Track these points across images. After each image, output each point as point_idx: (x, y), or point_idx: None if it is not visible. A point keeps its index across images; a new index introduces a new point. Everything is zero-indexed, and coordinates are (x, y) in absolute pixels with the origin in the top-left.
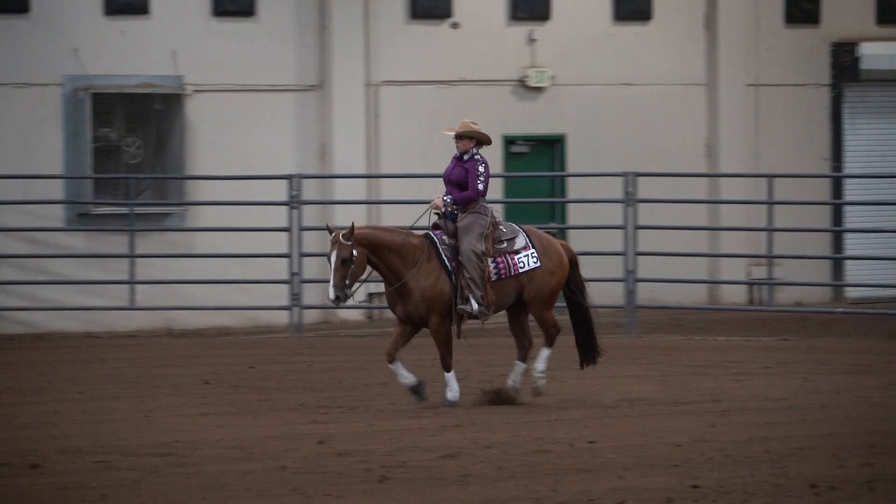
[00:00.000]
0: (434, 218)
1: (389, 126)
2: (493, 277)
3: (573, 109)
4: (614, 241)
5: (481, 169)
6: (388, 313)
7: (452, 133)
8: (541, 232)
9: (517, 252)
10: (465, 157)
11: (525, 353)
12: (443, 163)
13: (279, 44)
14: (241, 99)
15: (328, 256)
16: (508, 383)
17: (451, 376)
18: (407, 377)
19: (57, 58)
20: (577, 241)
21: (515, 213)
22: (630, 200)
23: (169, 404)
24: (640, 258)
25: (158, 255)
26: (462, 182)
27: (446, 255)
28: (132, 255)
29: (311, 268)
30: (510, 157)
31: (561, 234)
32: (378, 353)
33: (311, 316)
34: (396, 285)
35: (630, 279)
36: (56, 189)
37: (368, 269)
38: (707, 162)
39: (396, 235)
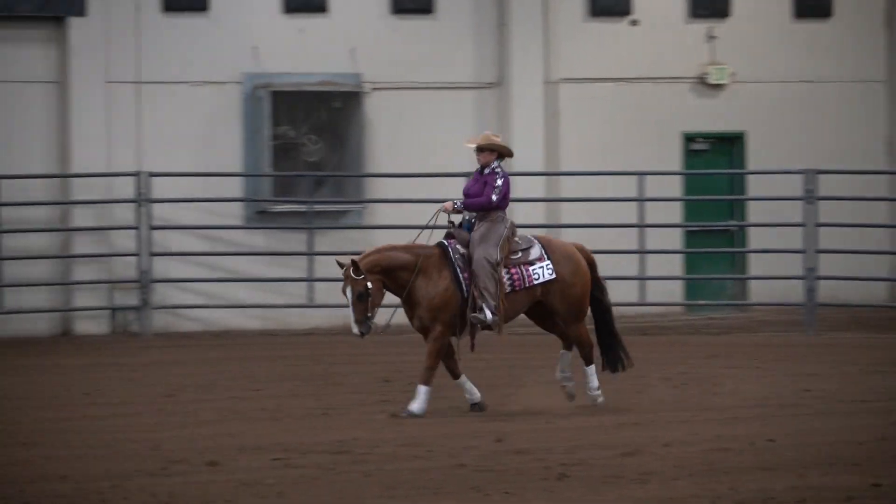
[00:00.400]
0: (444, 220)
1: (568, 124)
2: (507, 289)
3: (753, 107)
4: (794, 239)
5: (499, 182)
6: None
7: (473, 145)
8: (557, 241)
9: (531, 263)
10: (486, 171)
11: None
12: (622, 161)
13: (457, 41)
14: (418, 96)
15: (343, 290)
16: (557, 375)
17: (425, 391)
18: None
19: (236, 56)
20: (756, 238)
21: (695, 210)
22: (810, 198)
23: (347, 402)
24: (820, 256)
25: (336, 252)
26: (480, 196)
27: (458, 265)
28: (310, 253)
29: None
30: (689, 155)
31: (740, 231)
32: (555, 350)
33: None
34: (402, 294)
35: (810, 277)
36: (235, 187)
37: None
38: (888, 159)
39: (407, 254)
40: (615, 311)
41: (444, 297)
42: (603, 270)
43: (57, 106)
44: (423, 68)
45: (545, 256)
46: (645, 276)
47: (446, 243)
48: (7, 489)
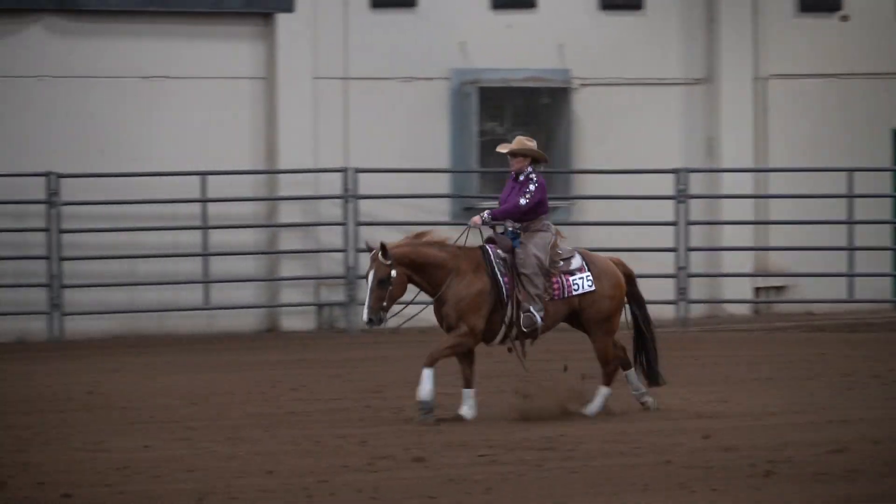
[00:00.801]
0: (476, 233)
1: (777, 120)
2: (547, 297)
3: None
4: None
5: (531, 188)
6: (779, 307)
7: (506, 150)
8: (596, 255)
9: (572, 273)
10: (521, 177)
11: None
12: (832, 157)
13: (665, 37)
14: (626, 93)
15: (366, 276)
16: (634, 393)
17: (429, 374)
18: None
19: (444, 52)
20: None
21: None
22: None
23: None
24: None
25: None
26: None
27: (500, 270)
28: None
29: (697, 262)
30: None
31: None
32: (769, 347)
33: (697, 310)
34: (436, 296)
35: None
36: (442, 183)
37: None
38: None
39: (440, 249)
40: (784, 313)
41: (476, 299)
42: (811, 267)
43: (264, 102)
44: (631, 64)
45: (585, 268)
46: (854, 273)
47: (487, 247)
48: (215, 483)
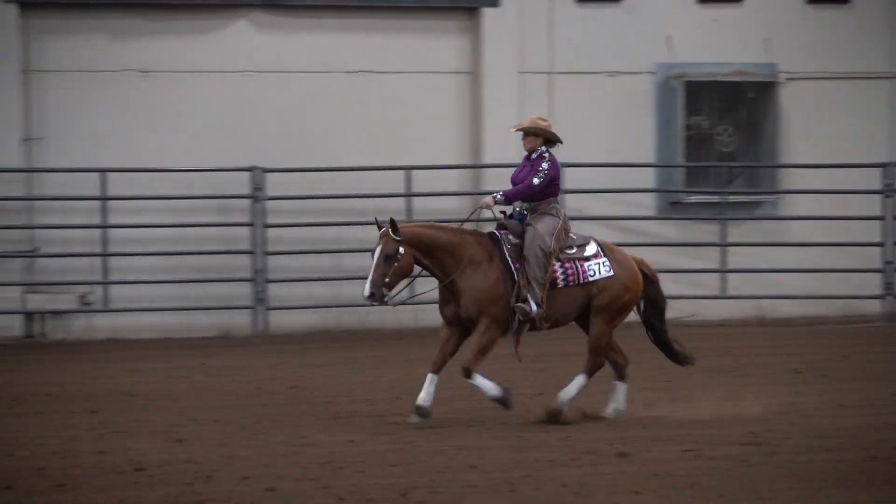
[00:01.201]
0: (489, 215)
1: None
2: (561, 284)
3: None
4: None
5: (545, 166)
6: None
7: (518, 129)
8: (616, 248)
9: (587, 259)
10: (533, 156)
11: (623, 371)
12: None
13: (872, 31)
14: (833, 86)
15: (373, 251)
16: (609, 411)
17: (480, 379)
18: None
19: (649, 46)
20: None
21: None
22: None
23: (758, 393)
24: None
25: (750, 243)
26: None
27: (511, 256)
28: (723, 244)
29: None
30: None
31: None
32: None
33: None
34: (445, 282)
35: None
36: (647, 178)
37: (418, 269)
38: None
39: (452, 234)
40: None
41: (493, 289)
42: None
43: (469, 96)
44: (838, 58)
45: (602, 254)
46: None
47: (498, 233)
48: (418, 478)
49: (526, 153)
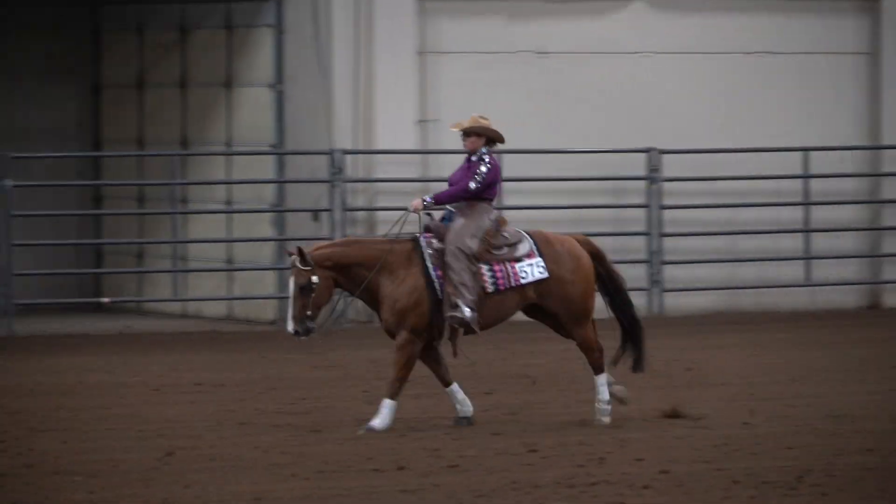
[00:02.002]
0: (421, 220)
1: None
2: (491, 289)
3: None
4: None
5: (483, 169)
6: None
7: (457, 129)
8: (554, 236)
9: (518, 260)
10: (474, 158)
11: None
12: None
13: None
14: None
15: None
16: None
17: (389, 406)
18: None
19: None
20: None
21: None
22: None
23: None
24: None
25: None
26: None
27: (432, 263)
28: None
29: None
30: None
31: None
32: None
33: None
34: (357, 293)
35: None
36: None
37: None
38: None
39: (364, 248)
40: None
41: (410, 298)
42: None
43: (868, 77)
44: None
45: (536, 253)
46: None
47: (420, 237)
48: (813, 463)
49: (468, 154)
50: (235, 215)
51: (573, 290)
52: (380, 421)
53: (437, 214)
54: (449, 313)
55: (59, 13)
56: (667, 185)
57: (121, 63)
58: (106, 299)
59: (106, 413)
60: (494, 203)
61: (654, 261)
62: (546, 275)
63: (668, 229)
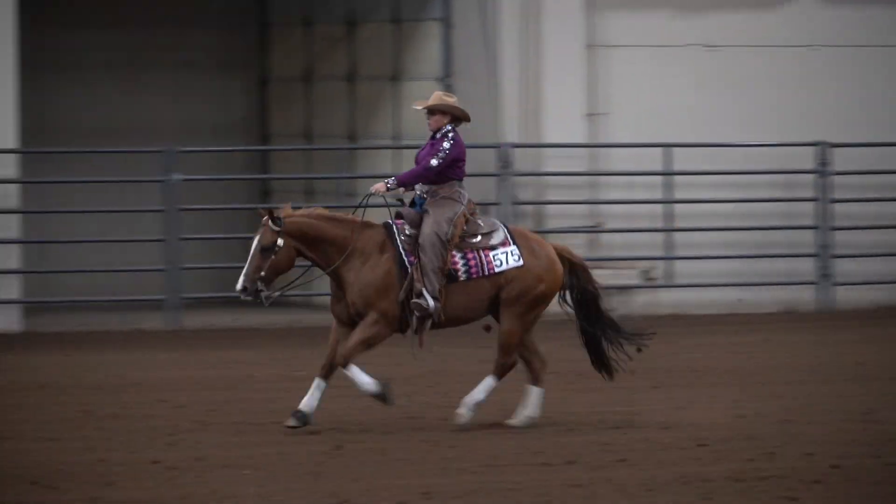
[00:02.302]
0: (382, 202)
1: None
2: (463, 276)
3: None
4: None
5: (446, 145)
6: None
7: (420, 107)
8: (532, 234)
9: (493, 248)
10: (438, 135)
11: (538, 375)
12: None
13: None
14: None
15: (252, 242)
16: (523, 416)
17: (356, 371)
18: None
19: None
20: None
21: None
22: None
23: None
24: None
25: None
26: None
27: (404, 248)
28: None
29: None
30: None
31: None
32: None
33: None
34: (327, 271)
35: None
36: None
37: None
38: None
39: (340, 225)
40: None
41: (384, 282)
42: None
43: None
44: None
45: (510, 241)
46: None
47: (393, 223)
48: None
49: (432, 133)
50: None
51: (534, 287)
52: (364, 384)
53: (407, 200)
54: (414, 300)
55: (227, 7)
56: (838, 178)
57: (288, 56)
58: (275, 293)
59: (273, 406)
60: (464, 183)
61: (824, 255)
62: (521, 263)
63: (839, 223)
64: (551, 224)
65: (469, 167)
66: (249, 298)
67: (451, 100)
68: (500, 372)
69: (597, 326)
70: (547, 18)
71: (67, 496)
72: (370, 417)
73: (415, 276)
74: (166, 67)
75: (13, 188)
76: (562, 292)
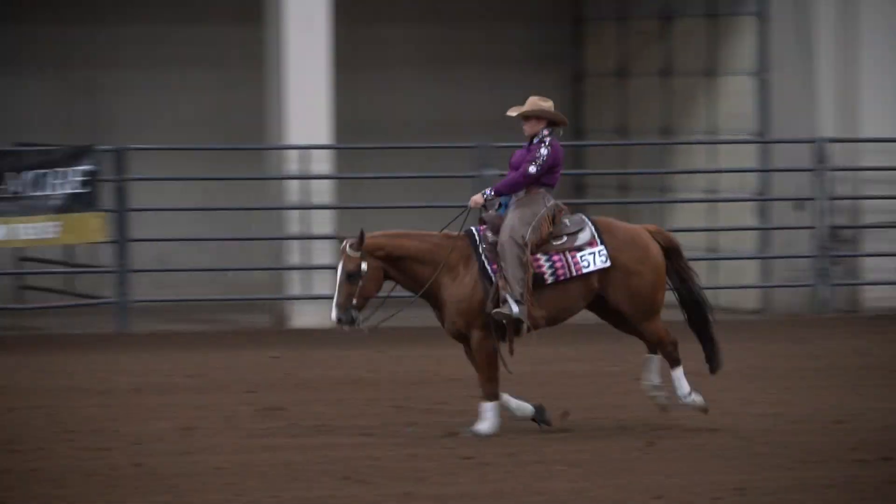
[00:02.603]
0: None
1: None
2: (550, 279)
3: None
4: None
5: (543, 151)
6: None
7: (515, 113)
8: (622, 224)
9: (580, 249)
10: (535, 141)
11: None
12: None
13: None
14: None
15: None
16: (643, 384)
17: (491, 407)
18: (521, 407)
19: None
20: None
21: None
22: None
23: None
24: None
25: None
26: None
27: (486, 257)
28: None
29: None
30: None
31: None
32: None
33: None
34: (419, 293)
35: None
36: None
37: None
38: None
39: (420, 240)
40: None
41: (473, 296)
42: None
43: None
44: None
45: (598, 241)
46: None
47: (475, 230)
48: None
49: (528, 139)
50: (718, 204)
51: (639, 282)
52: (487, 425)
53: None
54: (494, 309)
55: (541, 2)
56: None
57: (602, 52)
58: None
59: (587, 403)
60: (556, 189)
61: None
62: (608, 263)
63: None
64: (868, 219)
65: (784, 161)
66: (347, 328)
67: (547, 104)
68: (675, 358)
69: (702, 313)
70: (865, 10)
71: (380, 491)
72: (680, 414)
73: (500, 284)
74: (480, 62)
75: (328, 184)
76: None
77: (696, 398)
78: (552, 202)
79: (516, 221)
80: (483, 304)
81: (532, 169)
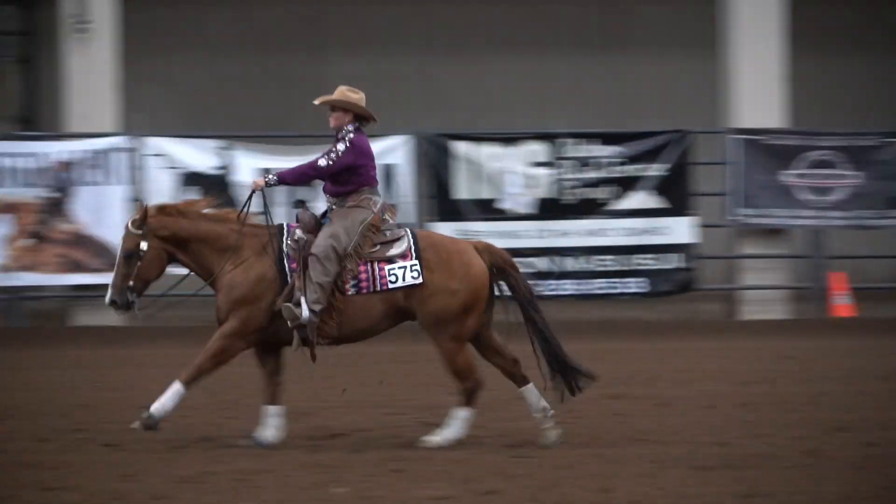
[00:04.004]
0: (256, 202)
1: None
2: (351, 291)
3: None
4: None
5: (340, 147)
6: None
7: (320, 102)
8: (447, 238)
9: (390, 261)
10: (340, 135)
11: (518, 373)
12: None
13: None
14: None
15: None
16: (537, 416)
17: (177, 391)
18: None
19: None
20: None
21: None
22: None
23: None
24: None
25: None
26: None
27: (288, 254)
28: None
29: None
30: None
31: None
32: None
33: None
34: (208, 281)
35: None
36: None
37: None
38: None
39: (215, 223)
40: None
41: (252, 288)
42: None
43: None
44: None
45: (412, 254)
46: None
47: (286, 225)
48: None
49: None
50: None
51: (449, 302)
52: (159, 405)
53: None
54: (285, 304)
55: None
56: None
57: None
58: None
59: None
60: (378, 188)
61: None
62: (419, 280)
63: None
64: None
65: None
66: (123, 312)
67: (357, 96)
68: (469, 398)
69: (547, 337)
70: None
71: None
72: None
73: (296, 284)
74: None
75: None
76: (499, 291)
77: (435, 442)
78: (379, 206)
79: (339, 229)
80: (258, 299)
81: (322, 163)
